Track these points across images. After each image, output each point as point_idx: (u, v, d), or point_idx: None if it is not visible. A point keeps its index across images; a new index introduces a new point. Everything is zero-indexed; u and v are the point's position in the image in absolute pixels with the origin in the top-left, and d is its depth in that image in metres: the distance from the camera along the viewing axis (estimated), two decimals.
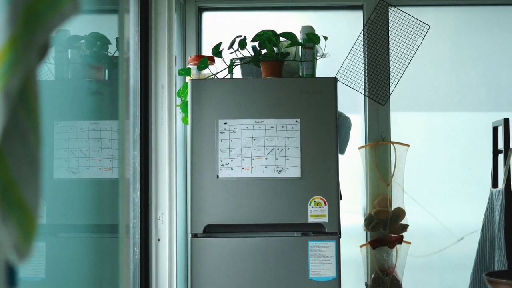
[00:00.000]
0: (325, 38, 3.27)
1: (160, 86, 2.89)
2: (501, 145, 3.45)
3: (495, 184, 3.46)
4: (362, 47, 3.80)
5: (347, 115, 3.52)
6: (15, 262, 0.90)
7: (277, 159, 3.02)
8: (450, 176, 3.92)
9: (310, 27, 3.27)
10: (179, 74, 3.34)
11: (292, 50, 3.28)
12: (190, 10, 3.95)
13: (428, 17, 3.84)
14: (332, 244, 3.00)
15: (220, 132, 3.04)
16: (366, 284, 3.76)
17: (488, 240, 3.41)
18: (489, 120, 3.61)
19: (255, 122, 3.04)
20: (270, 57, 3.17)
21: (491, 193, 3.44)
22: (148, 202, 2.84)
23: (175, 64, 2.98)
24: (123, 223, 2.40)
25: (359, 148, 3.82)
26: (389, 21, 3.82)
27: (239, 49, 3.18)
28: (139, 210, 2.75)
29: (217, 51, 3.20)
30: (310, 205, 3.01)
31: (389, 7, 3.85)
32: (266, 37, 3.17)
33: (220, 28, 3.98)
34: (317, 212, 3.01)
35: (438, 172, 3.93)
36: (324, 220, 3.01)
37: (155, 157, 2.87)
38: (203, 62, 3.21)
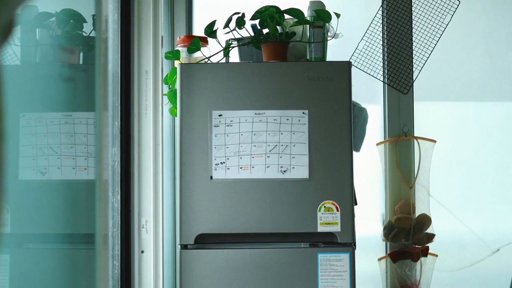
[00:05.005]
0: (337, 15, 3.27)
1: (144, 71, 2.89)
2: None
3: None
4: (381, 26, 3.80)
5: (363, 105, 3.52)
6: None
7: (281, 157, 3.03)
8: (484, 178, 3.92)
9: (320, 3, 3.27)
10: (166, 57, 3.34)
11: (299, 29, 3.28)
12: None
13: None
14: (345, 256, 3.01)
15: (214, 126, 3.04)
16: None
17: None
18: None
19: (255, 114, 3.04)
20: (272, 37, 3.17)
21: None
22: (130, 208, 2.85)
23: (162, 46, 2.98)
24: (101, 232, 2.41)
25: (377, 144, 3.82)
26: None
27: (237, 29, 3.18)
28: (119, 217, 2.76)
29: (210, 30, 3.20)
30: (319, 211, 3.02)
31: None
32: (268, 14, 3.17)
33: (215, 4, 3.98)
34: (328, 220, 3.01)
35: (469, 172, 3.93)
36: (336, 228, 3.01)
37: (138, 155, 2.87)
38: (195, 43, 3.21)
